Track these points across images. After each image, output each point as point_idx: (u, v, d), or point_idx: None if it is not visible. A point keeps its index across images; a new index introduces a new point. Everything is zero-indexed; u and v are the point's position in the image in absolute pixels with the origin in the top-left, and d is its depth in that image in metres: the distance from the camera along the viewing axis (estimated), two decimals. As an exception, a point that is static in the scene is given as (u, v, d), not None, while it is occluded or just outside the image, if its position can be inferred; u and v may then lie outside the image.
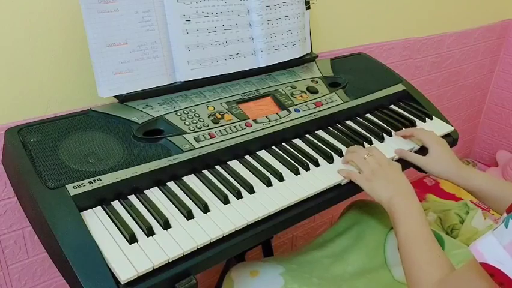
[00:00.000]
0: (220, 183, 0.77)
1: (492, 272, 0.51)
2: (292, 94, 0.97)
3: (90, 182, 0.67)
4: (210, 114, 0.85)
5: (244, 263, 0.92)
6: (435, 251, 0.68)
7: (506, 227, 0.52)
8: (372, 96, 1.07)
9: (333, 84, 1.05)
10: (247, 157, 0.84)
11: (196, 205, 0.71)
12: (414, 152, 0.95)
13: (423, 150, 0.94)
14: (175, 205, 0.71)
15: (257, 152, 0.86)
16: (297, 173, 0.82)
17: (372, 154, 0.83)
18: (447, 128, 1.05)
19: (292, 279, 0.84)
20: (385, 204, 0.77)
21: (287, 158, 0.86)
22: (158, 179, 0.74)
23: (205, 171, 0.79)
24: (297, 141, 0.92)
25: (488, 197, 0.85)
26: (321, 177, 0.82)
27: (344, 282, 0.87)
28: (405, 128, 1.01)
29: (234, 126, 0.85)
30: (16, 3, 0.79)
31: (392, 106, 1.11)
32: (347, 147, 0.91)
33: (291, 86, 1.00)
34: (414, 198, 0.77)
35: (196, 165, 0.78)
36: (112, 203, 0.69)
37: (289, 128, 0.90)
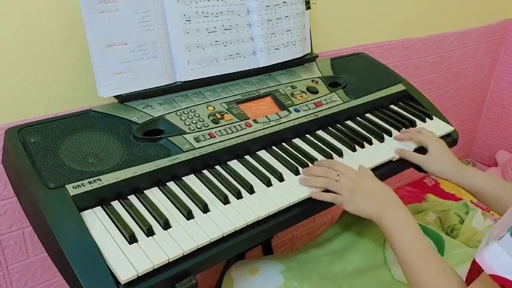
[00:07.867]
0: (220, 183, 0.77)
1: (502, 283, 0.51)
2: (292, 94, 0.97)
3: (90, 182, 0.67)
4: (210, 114, 0.85)
5: (244, 260, 0.92)
6: (440, 264, 0.66)
7: None
8: (372, 96, 1.07)
9: (333, 84, 1.05)
10: (247, 157, 0.84)
11: (196, 205, 0.71)
12: (413, 151, 0.95)
13: (421, 150, 0.94)
14: (175, 205, 0.71)
15: (257, 152, 0.86)
16: (297, 173, 0.82)
17: (342, 172, 0.79)
18: (447, 128, 1.05)
19: (292, 277, 0.84)
20: (375, 221, 0.75)
21: (287, 158, 0.86)
22: (158, 179, 0.74)
23: (205, 171, 0.79)
24: (297, 141, 0.92)
25: (488, 196, 0.85)
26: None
27: (344, 280, 0.87)
28: (405, 128, 1.01)
29: (234, 126, 0.85)
30: (16, 4, 0.79)
31: (392, 106, 1.11)
32: (347, 147, 0.91)
33: (291, 86, 1.00)
34: (401, 207, 0.75)
35: (196, 165, 0.78)
36: (112, 203, 0.69)
37: (289, 128, 0.90)
